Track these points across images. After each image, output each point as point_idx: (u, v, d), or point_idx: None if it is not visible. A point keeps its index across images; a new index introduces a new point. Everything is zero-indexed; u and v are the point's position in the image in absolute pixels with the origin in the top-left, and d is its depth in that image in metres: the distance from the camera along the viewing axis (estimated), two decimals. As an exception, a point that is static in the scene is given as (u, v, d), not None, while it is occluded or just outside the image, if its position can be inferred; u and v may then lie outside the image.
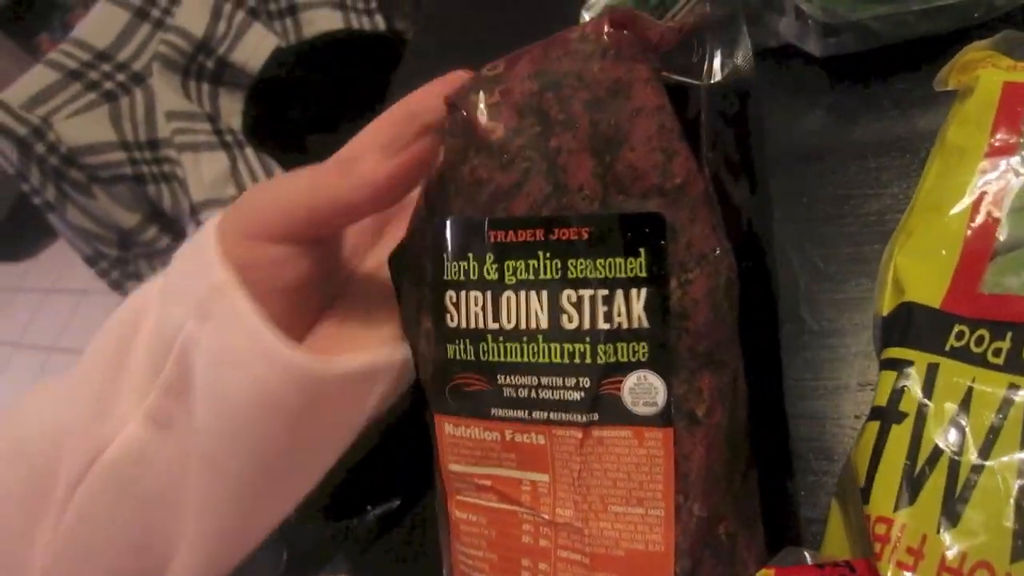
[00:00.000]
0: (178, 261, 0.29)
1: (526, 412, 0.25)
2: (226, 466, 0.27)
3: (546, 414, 0.25)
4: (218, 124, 0.96)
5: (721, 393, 0.24)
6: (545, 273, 0.24)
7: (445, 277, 0.26)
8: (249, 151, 0.96)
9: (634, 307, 0.24)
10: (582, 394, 0.24)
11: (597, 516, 0.24)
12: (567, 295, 0.24)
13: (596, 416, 0.24)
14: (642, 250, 0.23)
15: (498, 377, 0.25)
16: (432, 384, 0.27)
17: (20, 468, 0.29)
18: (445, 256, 0.26)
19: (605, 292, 0.24)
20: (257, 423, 0.27)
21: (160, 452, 0.28)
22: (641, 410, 0.24)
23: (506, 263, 0.25)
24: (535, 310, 0.25)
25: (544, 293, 0.24)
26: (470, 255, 0.25)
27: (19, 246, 2.07)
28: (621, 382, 0.24)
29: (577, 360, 0.24)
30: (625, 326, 0.24)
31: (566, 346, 0.24)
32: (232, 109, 0.98)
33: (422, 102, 0.27)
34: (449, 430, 0.27)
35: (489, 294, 0.25)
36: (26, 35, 1.96)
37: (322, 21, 0.99)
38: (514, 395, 0.25)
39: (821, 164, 0.34)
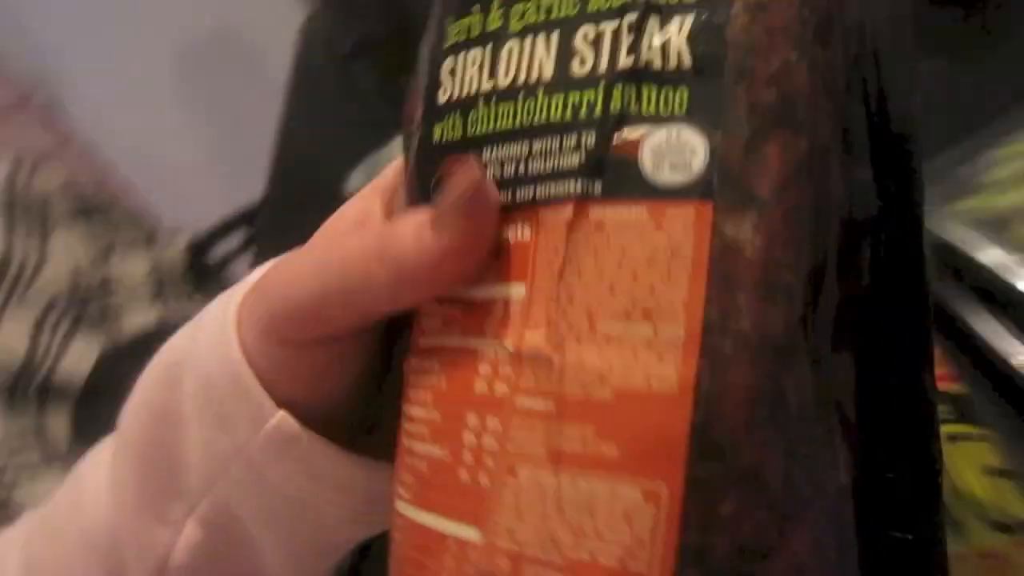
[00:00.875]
0: (211, 370, 0.22)
1: (509, 194, 0.18)
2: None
3: (532, 190, 0.17)
4: (46, 442, 0.91)
5: (799, 165, 0.15)
6: (560, 10, 0.18)
7: (444, 45, 0.20)
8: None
9: (673, 40, 0.16)
10: (583, 155, 0.17)
11: (578, 339, 0.16)
12: (584, 32, 0.17)
13: (598, 186, 0.16)
14: None
15: (484, 152, 0.18)
16: (414, 184, 0.20)
17: (93, 566, 0.25)
18: (448, 19, 0.20)
19: (634, 18, 0.17)
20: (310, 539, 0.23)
21: (226, 544, 0.24)
22: (666, 177, 0.16)
23: (514, 7, 0.19)
24: (539, 57, 0.18)
25: (555, 34, 0.18)
26: (475, 8, 0.20)
27: None
28: (641, 139, 0.16)
29: (584, 112, 0.17)
30: (657, 65, 0.16)
31: (572, 95, 0.17)
32: (60, 424, 0.94)
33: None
34: None
35: (489, 47, 0.19)
36: None
37: (137, 316, 0.98)
38: (499, 174, 0.18)
39: None
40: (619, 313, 0.15)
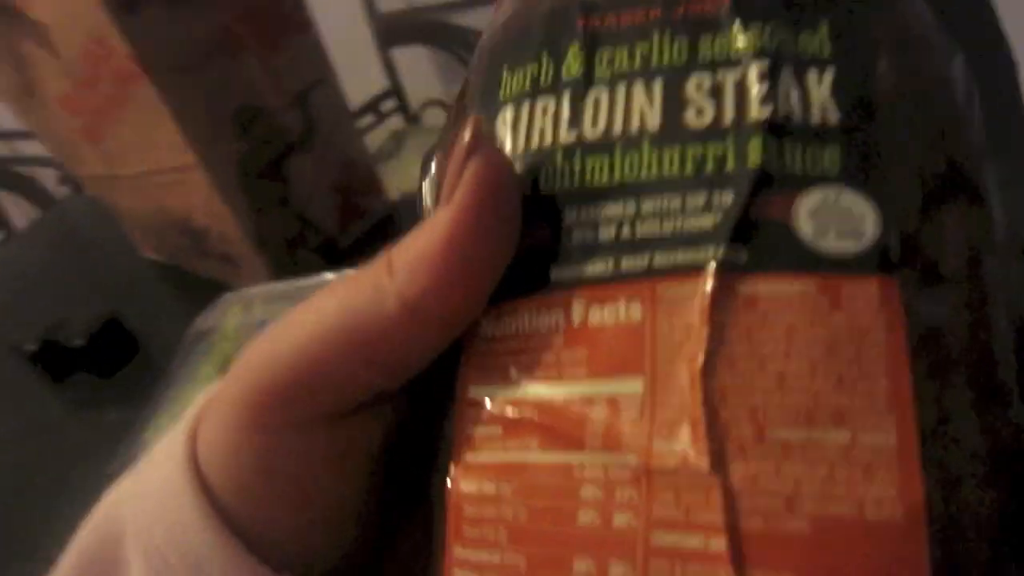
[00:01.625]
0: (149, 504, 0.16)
1: (611, 263, 0.14)
2: None
3: (647, 259, 0.14)
4: None
5: (983, 240, 0.13)
6: (662, 58, 0.15)
7: (500, 96, 0.17)
8: None
9: (814, 93, 0.14)
10: (719, 217, 0.13)
11: (743, 450, 0.12)
12: (696, 81, 0.15)
13: (743, 254, 0.13)
14: (823, 20, 0.15)
15: (566, 215, 0.15)
16: None
17: None
18: (503, 67, 0.17)
19: (764, 66, 0.14)
20: None
21: None
22: (833, 245, 0.13)
23: (599, 53, 0.16)
24: (640, 106, 0.15)
25: (657, 83, 0.15)
26: (542, 55, 0.16)
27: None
28: (793, 200, 0.13)
29: (711, 167, 0.14)
30: (799, 119, 0.14)
31: (691, 150, 0.14)
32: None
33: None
34: (483, 328, 0.15)
35: (567, 95, 0.16)
36: None
37: None
38: (592, 239, 0.14)
39: None
40: (798, 416, 0.12)
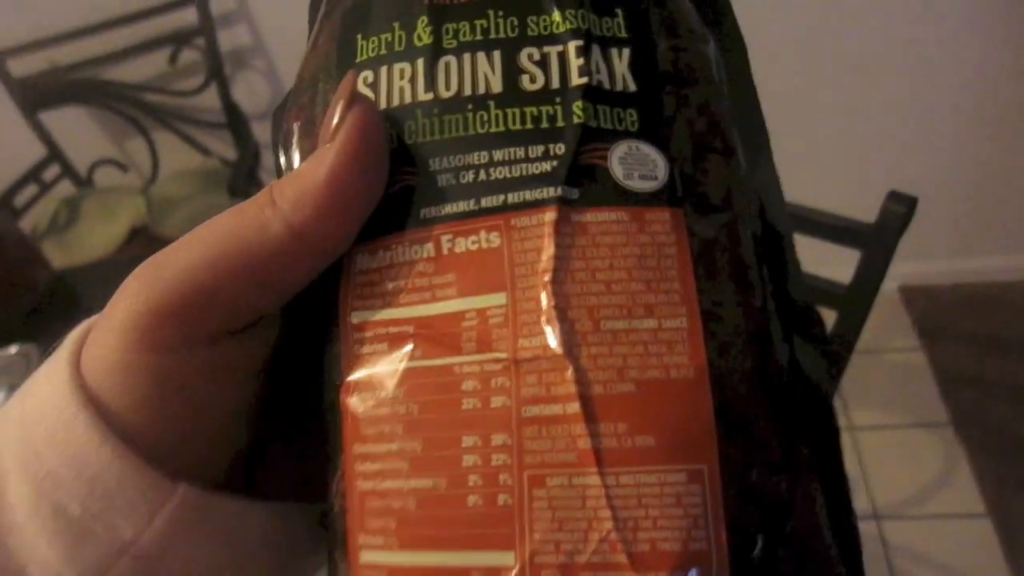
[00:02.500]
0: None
1: (472, 201, 0.17)
2: None
3: (503, 197, 0.17)
4: None
5: (733, 180, 0.18)
6: (497, 32, 0.18)
7: (357, 58, 0.19)
8: None
9: (616, 66, 0.18)
10: (555, 163, 0.17)
11: (585, 339, 0.16)
12: (527, 53, 0.18)
13: (575, 192, 0.17)
14: (618, 10, 0.19)
15: (431, 162, 0.17)
16: None
17: None
18: (358, 36, 0.19)
19: (579, 43, 0.18)
20: None
21: None
22: (637, 184, 0.17)
23: (444, 26, 0.19)
24: (484, 72, 0.18)
25: (496, 53, 0.18)
26: (394, 25, 0.19)
27: None
28: (607, 150, 0.17)
29: (545, 123, 0.17)
30: (607, 86, 0.18)
31: (529, 109, 0.18)
32: None
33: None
34: (360, 262, 0.18)
35: (421, 62, 0.18)
36: None
37: None
38: (454, 181, 0.17)
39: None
40: (621, 310, 0.16)
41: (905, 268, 1.50)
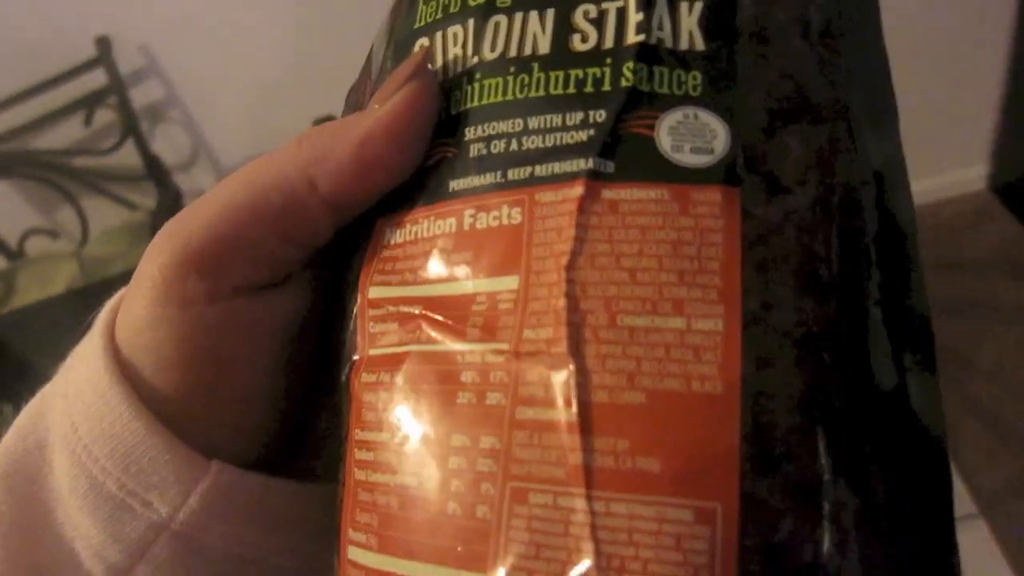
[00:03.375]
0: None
1: (499, 174, 0.15)
2: None
3: (529, 170, 0.15)
4: None
5: (819, 155, 0.14)
6: None
7: (416, 24, 0.18)
8: None
9: (683, 21, 0.15)
10: (591, 132, 0.15)
11: (596, 335, 0.13)
12: (584, 10, 0.16)
13: (610, 165, 0.14)
14: None
15: (467, 131, 0.16)
16: None
17: None
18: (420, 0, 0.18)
19: None
20: None
21: None
22: (687, 158, 0.14)
23: None
24: (533, 32, 0.16)
25: (549, 11, 0.16)
26: None
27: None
28: (656, 118, 0.15)
29: (589, 87, 0.15)
30: (669, 44, 0.15)
31: (574, 72, 0.15)
32: None
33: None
34: (386, 235, 0.17)
35: (471, 23, 0.17)
36: None
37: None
38: (484, 152, 0.16)
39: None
40: (644, 304, 0.13)
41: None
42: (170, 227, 0.17)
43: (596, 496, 0.12)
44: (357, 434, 0.16)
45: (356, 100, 0.19)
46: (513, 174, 0.15)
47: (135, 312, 0.17)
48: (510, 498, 0.13)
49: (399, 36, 0.18)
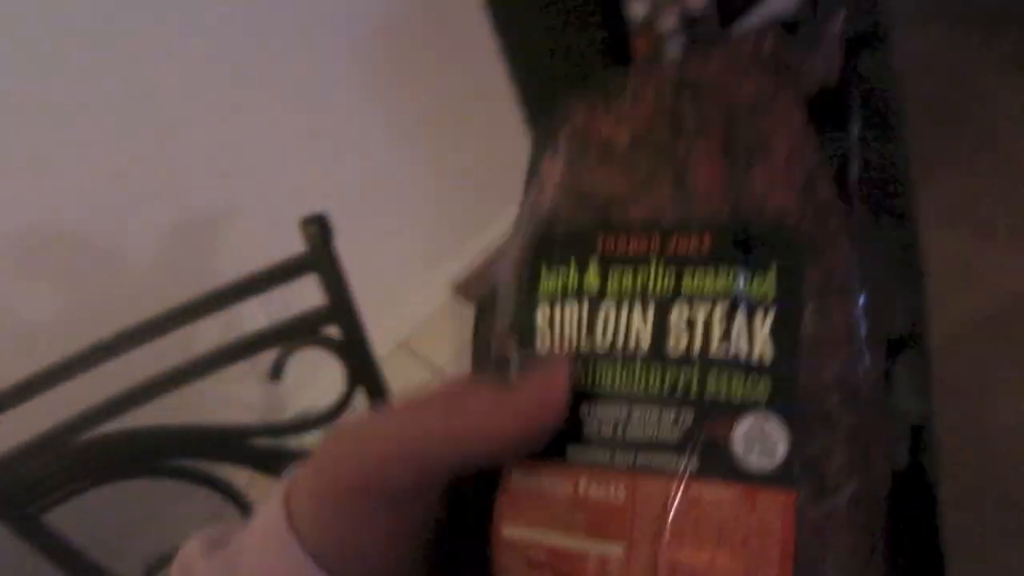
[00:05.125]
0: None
1: (608, 454, 0.20)
2: None
3: (632, 457, 0.20)
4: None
5: (860, 457, 0.18)
6: (655, 286, 0.20)
7: (540, 291, 0.22)
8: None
9: (757, 332, 0.19)
10: (681, 434, 0.19)
11: (681, 605, 0.18)
12: (678, 311, 0.20)
13: (695, 463, 0.19)
14: (774, 265, 0.19)
15: (582, 407, 0.21)
16: None
17: None
18: (544, 264, 0.22)
19: (725, 307, 0.19)
20: None
21: None
22: (755, 462, 0.18)
23: (611, 271, 0.21)
24: (636, 327, 0.20)
25: (651, 308, 0.20)
26: (572, 261, 0.22)
27: None
28: (731, 425, 0.19)
29: (680, 389, 0.20)
30: (744, 355, 0.19)
31: (670, 372, 0.20)
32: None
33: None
34: (516, 479, 0.22)
35: (586, 306, 0.21)
36: None
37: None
38: (596, 431, 0.20)
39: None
40: None
41: None
42: (343, 450, 0.21)
43: None
44: None
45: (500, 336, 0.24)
46: (619, 458, 0.20)
47: (308, 511, 0.21)
48: None
49: (523, 299, 0.22)
